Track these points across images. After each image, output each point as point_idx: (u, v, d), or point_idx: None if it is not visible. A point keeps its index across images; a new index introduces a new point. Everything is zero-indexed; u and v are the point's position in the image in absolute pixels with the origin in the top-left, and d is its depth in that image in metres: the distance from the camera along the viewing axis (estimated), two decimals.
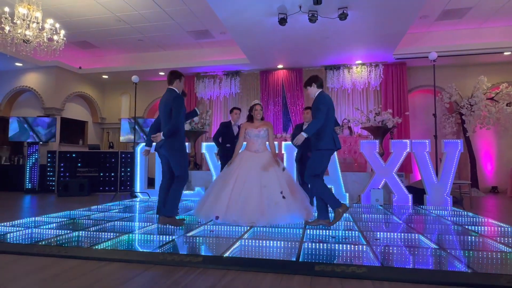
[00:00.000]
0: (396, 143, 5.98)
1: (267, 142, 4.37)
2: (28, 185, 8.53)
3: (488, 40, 8.01)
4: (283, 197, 3.89)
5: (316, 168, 3.77)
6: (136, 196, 6.93)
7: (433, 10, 7.22)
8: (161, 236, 3.35)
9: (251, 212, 3.85)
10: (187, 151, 6.91)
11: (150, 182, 7.50)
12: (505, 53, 8.20)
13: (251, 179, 4.03)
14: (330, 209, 3.85)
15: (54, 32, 6.59)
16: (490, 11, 7.35)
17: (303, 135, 3.68)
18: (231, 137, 5.59)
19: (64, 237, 3.29)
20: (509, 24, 7.98)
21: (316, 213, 4.00)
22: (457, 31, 8.27)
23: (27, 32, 6.14)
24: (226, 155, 5.45)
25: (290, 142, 6.22)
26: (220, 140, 5.71)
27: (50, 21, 6.48)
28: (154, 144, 4.03)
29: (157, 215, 4.10)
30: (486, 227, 3.93)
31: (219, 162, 6.03)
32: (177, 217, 4.12)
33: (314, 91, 3.91)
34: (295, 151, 6.11)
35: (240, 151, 4.40)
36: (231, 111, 5.80)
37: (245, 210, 3.86)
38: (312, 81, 3.91)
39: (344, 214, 4.68)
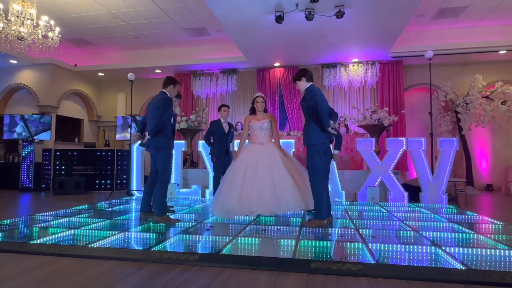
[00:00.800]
0: (392, 141, 6.00)
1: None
2: (23, 183, 8.47)
3: (484, 39, 8.04)
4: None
5: (314, 167, 3.71)
6: (132, 194, 6.91)
7: (429, 8, 7.24)
8: (157, 234, 3.34)
9: (267, 202, 3.96)
10: (184, 149, 6.95)
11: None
12: (500, 52, 8.24)
13: (261, 170, 4.13)
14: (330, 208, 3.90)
15: (49, 29, 6.53)
16: (485, 10, 7.38)
17: (332, 131, 3.56)
18: (222, 135, 5.54)
19: (59, 235, 3.27)
20: (505, 23, 8.02)
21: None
22: (453, 30, 8.30)
23: (22, 29, 6.08)
24: (218, 154, 5.42)
25: (287, 141, 6.21)
26: (211, 139, 5.66)
27: (44, 18, 6.41)
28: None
29: (140, 212, 4.32)
30: (480, 225, 3.96)
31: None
32: (171, 216, 4.15)
33: (304, 85, 3.80)
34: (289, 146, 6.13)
35: (244, 145, 4.54)
36: (219, 109, 5.67)
37: (260, 201, 3.97)
38: (301, 75, 3.81)
39: (344, 213, 4.71)
